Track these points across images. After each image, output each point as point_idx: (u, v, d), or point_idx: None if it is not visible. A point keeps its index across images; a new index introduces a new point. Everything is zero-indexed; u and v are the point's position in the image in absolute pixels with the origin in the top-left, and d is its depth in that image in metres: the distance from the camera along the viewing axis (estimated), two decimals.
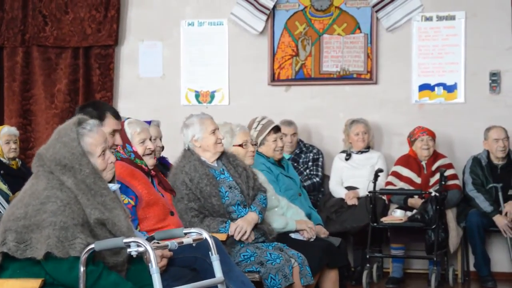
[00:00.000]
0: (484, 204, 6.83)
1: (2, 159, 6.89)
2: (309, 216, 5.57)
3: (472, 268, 7.10)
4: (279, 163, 5.76)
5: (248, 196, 4.89)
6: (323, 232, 5.41)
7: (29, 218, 3.24)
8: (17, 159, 7.02)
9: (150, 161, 4.37)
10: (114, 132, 4.27)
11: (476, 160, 7.02)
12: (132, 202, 4.14)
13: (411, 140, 7.11)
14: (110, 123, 4.25)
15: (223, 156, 4.97)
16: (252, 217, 4.84)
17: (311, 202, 5.98)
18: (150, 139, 4.43)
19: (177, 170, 4.79)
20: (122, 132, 4.33)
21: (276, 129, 5.74)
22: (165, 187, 4.43)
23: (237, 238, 4.73)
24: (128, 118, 4.49)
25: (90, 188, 3.34)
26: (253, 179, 4.97)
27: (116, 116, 4.35)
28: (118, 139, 4.28)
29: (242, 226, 4.75)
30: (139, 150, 4.32)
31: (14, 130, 7.06)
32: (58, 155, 3.35)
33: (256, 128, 5.67)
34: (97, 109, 4.17)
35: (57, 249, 3.18)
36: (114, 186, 3.54)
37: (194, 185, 4.70)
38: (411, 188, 6.99)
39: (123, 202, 4.03)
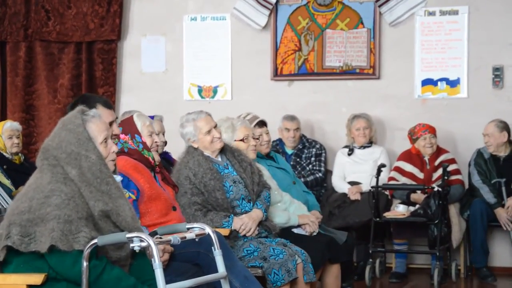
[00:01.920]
0: (488, 195, 6.86)
1: (5, 154, 6.90)
2: (305, 203, 5.56)
3: None
4: (267, 156, 5.76)
5: (252, 191, 4.89)
6: (317, 217, 5.39)
7: (33, 211, 3.25)
8: (20, 154, 7.02)
9: (156, 157, 4.37)
10: (110, 123, 4.27)
11: (479, 152, 7.05)
12: (134, 196, 4.13)
13: (413, 138, 7.10)
14: (104, 115, 4.25)
15: (227, 151, 4.96)
16: (257, 214, 4.84)
17: (314, 197, 5.98)
18: (157, 135, 4.46)
19: (181, 165, 4.79)
20: (131, 123, 4.34)
21: (261, 123, 5.75)
22: (169, 182, 4.44)
23: (241, 234, 4.74)
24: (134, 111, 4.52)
25: (96, 176, 3.34)
26: (258, 175, 4.97)
27: (108, 106, 4.34)
28: (116, 129, 4.29)
29: (247, 223, 4.76)
30: (148, 141, 4.33)
31: (17, 125, 7.06)
32: (64, 142, 3.36)
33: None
34: (87, 103, 4.12)
35: (61, 242, 3.19)
36: (117, 178, 3.55)
37: (198, 179, 4.70)
38: (414, 183, 6.99)
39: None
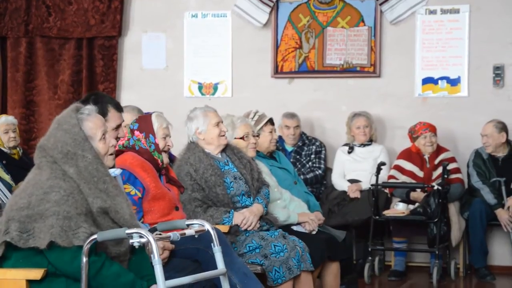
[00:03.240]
0: (488, 196, 6.85)
1: (3, 149, 6.88)
2: (306, 203, 5.56)
3: None
4: (270, 155, 5.75)
5: (253, 187, 4.90)
6: (319, 218, 5.40)
7: (32, 207, 3.24)
8: (17, 148, 7.01)
9: (165, 159, 4.37)
10: (118, 126, 4.26)
11: (477, 153, 7.04)
12: (139, 194, 4.14)
13: (413, 137, 7.09)
14: (114, 118, 4.23)
15: (227, 148, 4.98)
16: (258, 208, 4.85)
17: (313, 195, 5.97)
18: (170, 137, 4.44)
19: (182, 162, 4.79)
20: (148, 122, 4.33)
21: (271, 121, 5.76)
22: (175, 183, 4.43)
23: (242, 228, 4.75)
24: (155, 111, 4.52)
25: (93, 175, 3.34)
26: (257, 172, 4.99)
27: (118, 108, 4.33)
28: (121, 132, 4.28)
29: (248, 217, 4.76)
30: (160, 144, 4.33)
31: (12, 119, 7.04)
32: (60, 143, 3.35)
33: (253, 118, 5.68)
34: (98, 103, 4.08)
35: (61, 239, 3.19)
36: (116, 171, 3.54)
37: (198, 175, 4.71)
38: (414, 181, 6.99)
39: (130, 193, 4.05)
